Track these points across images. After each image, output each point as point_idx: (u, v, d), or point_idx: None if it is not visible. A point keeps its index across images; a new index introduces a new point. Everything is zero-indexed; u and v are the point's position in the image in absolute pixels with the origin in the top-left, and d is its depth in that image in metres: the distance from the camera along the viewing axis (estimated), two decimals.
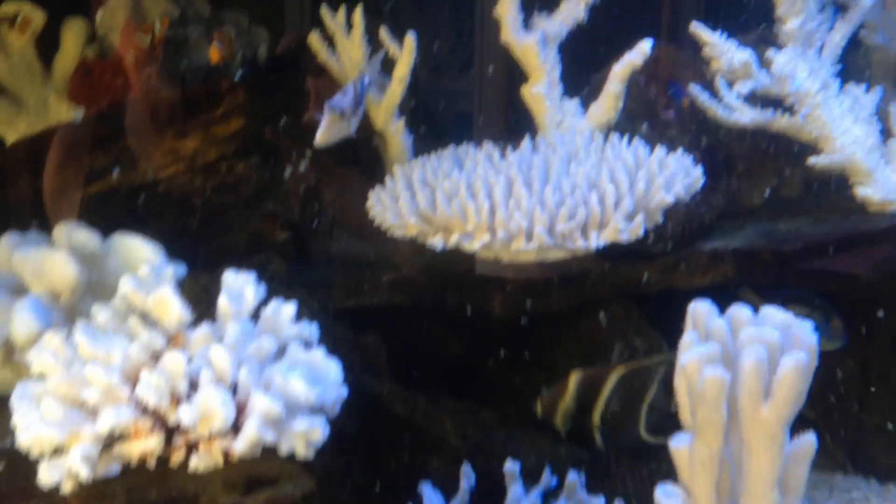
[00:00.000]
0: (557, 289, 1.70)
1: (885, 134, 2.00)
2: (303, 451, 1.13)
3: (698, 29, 1.87)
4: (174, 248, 1.58)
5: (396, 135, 1.95)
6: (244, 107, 1.70)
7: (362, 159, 1.99)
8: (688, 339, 1.25)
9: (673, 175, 1.57)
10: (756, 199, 2.17)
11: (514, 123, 2.16)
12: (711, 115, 1.97)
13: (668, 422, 1.58)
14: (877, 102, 2.01)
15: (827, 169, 1.95)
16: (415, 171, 1.72)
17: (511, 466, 1.32)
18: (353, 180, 1.88)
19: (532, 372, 1.85)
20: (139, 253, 1.43)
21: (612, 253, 1.76)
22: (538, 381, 1.81)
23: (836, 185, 2.06)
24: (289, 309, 1.25)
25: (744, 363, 1.17)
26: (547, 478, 1.35)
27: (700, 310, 1.30)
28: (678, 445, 1.25)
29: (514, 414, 1.73)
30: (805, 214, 2.02)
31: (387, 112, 1.93)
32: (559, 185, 1.56)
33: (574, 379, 1.65)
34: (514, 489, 1.30)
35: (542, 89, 1.92)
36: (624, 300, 1.88)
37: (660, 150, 1.67)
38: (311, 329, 1.26)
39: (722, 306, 1.31)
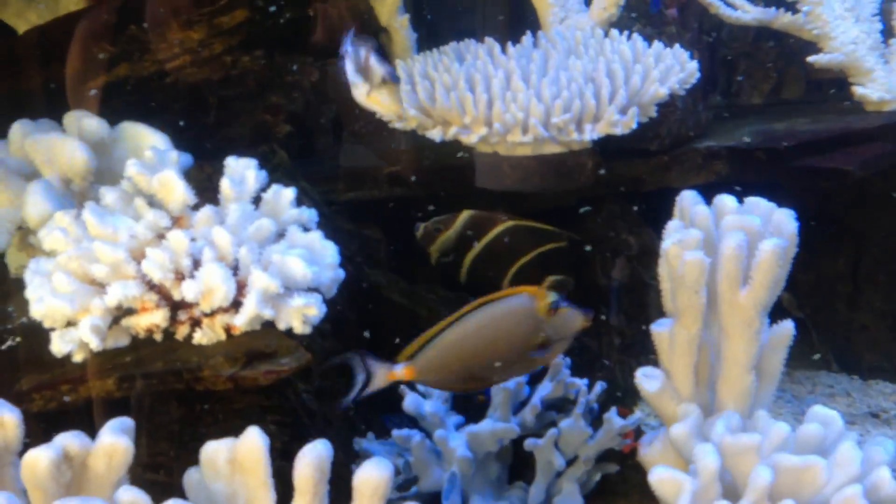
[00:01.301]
0: (554, 183, 1.74)
1: (887, 34, 2.00)
2: (299, 327, 1.19)
3: None
4: (180, 139, 1.62)
5: (401, 30, 1.96)
6: None
7: None
8: (671, 226, 1.30)
9: (668, 68, 1.59)
10: (756, 99, 2.19)
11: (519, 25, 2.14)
12: (714, 11, 1.97)
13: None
14: (879, 2, 2.00)
15: (826, 67, 1.96)
16: (416, 64, 1.74)
17: None
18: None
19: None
20: (147, 141, 1.47)
21: (609, 149, 1.79)
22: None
23: (837, 85, 2.07)
24: (288, 193, 1.29)
25: (723, 248, 1.22)
26: None
27: (686, 198, 1.34)
28: (659, 329, 1.31)
29: None
30: (803, 114, 2.04)
31: (391, 6, 1.93)
32: (556, 78, 1.58)
33: (464, 216, 1.62)
34: None
35: None
36: (620, 197, 1.92)
37: (657, 45, 1.68)
38: (310, 213, 1.31)
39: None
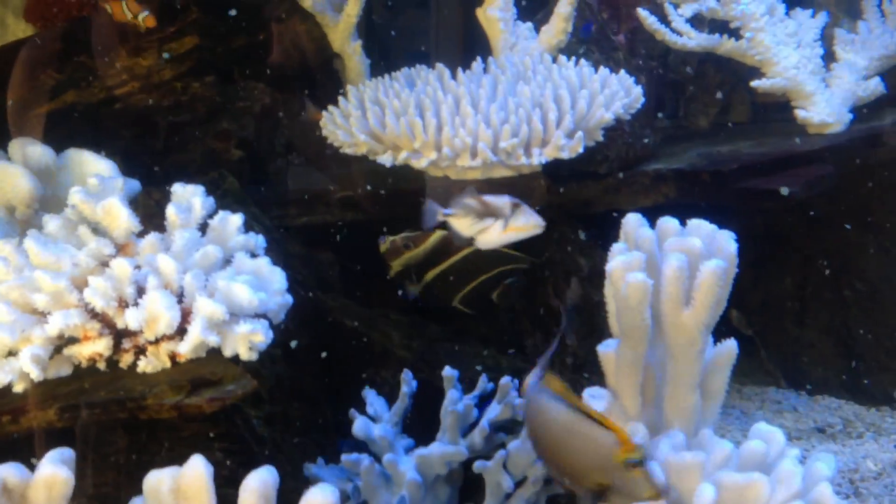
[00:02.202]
0: None
1: (829, 58, 2.06)
2: (246, 354, 1.19)
3: None
4: (130, 165, 1.61)
5: (353, 56, 1.98)
6: (198, 24, 1.71)
7: (321, 80, 2.01)
8: (615, 248, 1.32)
9: (613, 94, 1.62)
10: (702, 123, 2.23)
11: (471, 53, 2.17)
12: (660, 38, 2.01)
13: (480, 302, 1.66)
14: (821, 27, 2.06)
15: (769, 92, 2.01)
16: (367, 90, 1.76)
17: (449, 372, 1.39)
18: (311, 101, 1.91)
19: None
20: (93, 168, 1.47)
21: (559, 172, 1.82)
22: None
23: (781, 109, 2.12)
24: (235, 219, 1.29)
25: (665, 270, 1.24)
26: (483, 383, 1.43)
27: (630, 221, 1.36)
28: (605, 350, 1.32)
29: (459, 329, 1.80)
30: (747, 137, 2.08)
31: (344, 33, 1.95)
32: (505, 103, 1.61)
33: (436, 236, 1.62)
34: (452, 393, 1.37)
35: (496, 12, 1.95)
36: (570, 220, 1.95)
37: (603, 71, 1.72)
38: (257, 239, 1.31)
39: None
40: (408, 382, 1.40)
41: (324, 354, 1.63)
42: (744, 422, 1.88)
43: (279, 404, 1.49)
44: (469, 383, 1.50)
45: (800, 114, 1.99)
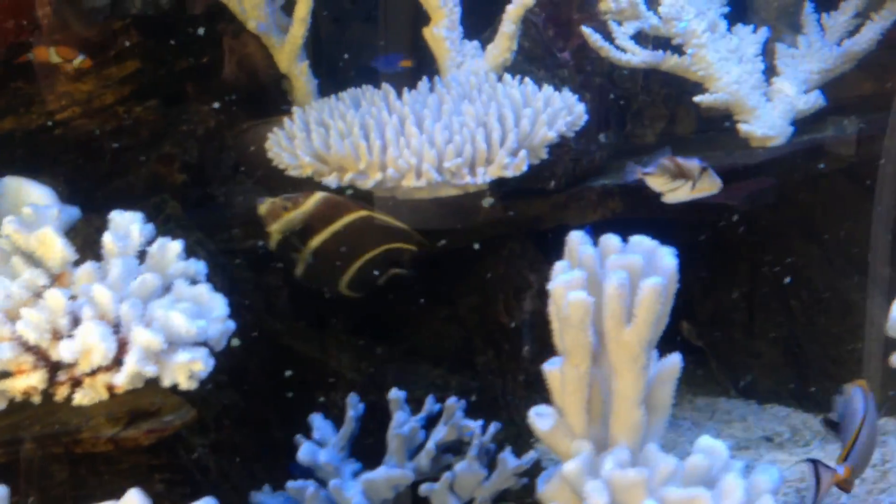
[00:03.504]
0: (452, 225, 1.76)
1: (770, 72, 2.10)
2: (185, 383, 1.17)
3: None
4: (72, 191, 1.59)
5: (301, 76, 1.97)
6: (138, 48, 1.70)
7: (269, 102, 2.00)
8: (558, 266, 1.33)
9: (556, 112, 1.63)
10: (649, 137, 2.26)
11: (418, 71, 2.17)
12: (604, 55, 2.03)
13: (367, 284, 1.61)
14: (762, 42, 2.09)
15: (712, 106, 2.04)
16: (312, 111, 1.76)
17: (395, 394, 1.38)
18: (258, 123, 1.90)
19: (431, 309, 1.92)
20: (31, 196, 1.44)
21: (508, 190, 1.83)
22: (436, 318, 1.89)
23: (727, 122, 2.15)
24: (175, 246, 1.28)
25: (606, 288, 1.25)
26: (430, 404, 1.42)
27: (573, 239, 1.37)
28: (550, 368, 1.33)
29: (410, 349, 1.79)
30: (693, 151, 2.10)
31: (290, 54, 1.94)
32: (449, 123, 1.61)
33: (316, 197, 1.59)
34: (398, 415, 1.36)
35: (442, 31, 1.95)
36: (520, 236, 1.96)
37: (547, 89, 1.73)
38: (198, 266, 1.29)
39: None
40: (354, 406, 1.39)
41: (273, 379, 1.62)
42: (695, 433, 1.90)
43: (226, 432, 1.47)
44: (418, 404, 1.50)
45: (742, 127, 2.02)
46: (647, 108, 2.26)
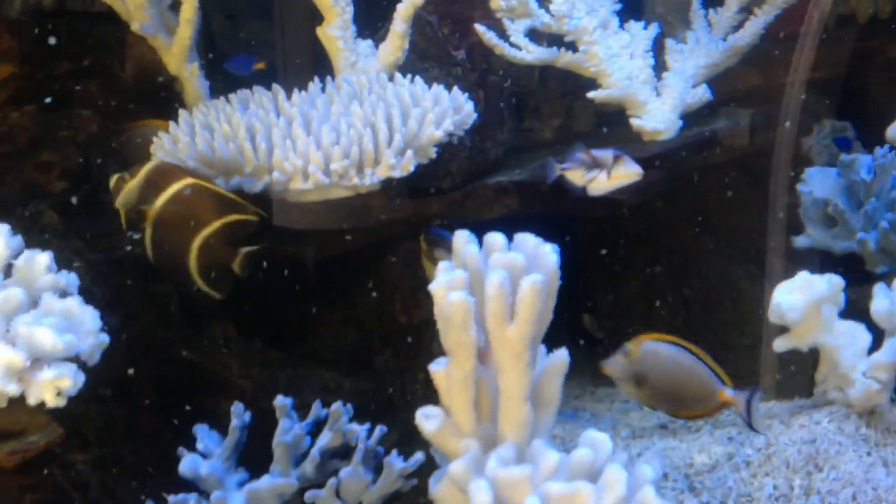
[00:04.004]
0: (345, 226, 1.75)
1: (661, 67, 2.14)
2: (52, 401, 1.14)
3: None
4: None
5: (191, 78, 1.93)
6: (13, 52, 1.64)
7: (166, 104, 1.96)
8: (441, 266, 1.33)
9: (444, 111, 1.64)
10: (547, 134, 2.28)
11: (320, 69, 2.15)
12: (499, 53, 2.04)
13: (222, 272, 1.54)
14: (653, 38, 2.14)
15: (605, 102, 2.07)
16: (198, 114, 1.72)
17: (281, 401, 1.37)
18: (141, 125, 1.85)
19: (329, 311, 1.90)
20: None
21: (402, 189, 1.83)
22: (334, 321, 1.87)
23: (623, 117, 2.19)
24: (43, 258, 1.24)
25: (487, 287, 1.25)
26: (316, 410, 1.41)
27: (458, 238, 1.37)
28: (436, 368, 1.33)
29: (307, 353, 1.78)
30: (589, 146, 2.14)
31: (178, 55, 1.90)
32: (336, 124, 1.60)
33: (149, 165, 1.54)
34: (283, 422, 1.35)
35: (335, 30, 1.93)
36: (417, 235, 1.95)
37: (437, 88, 1.73)
38: (69, 278, 1.25)
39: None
40: (238, 415, 1.37)
41: (161, 389, 1.58)
42: (593, 424, 1.93)
43: (110, 446, 1.43)
44: (310, 410, 1.48)
45: (634, 122, 2.06)
46: (544, 104, 2.28)
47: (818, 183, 2.03)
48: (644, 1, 2.39)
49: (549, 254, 1.31)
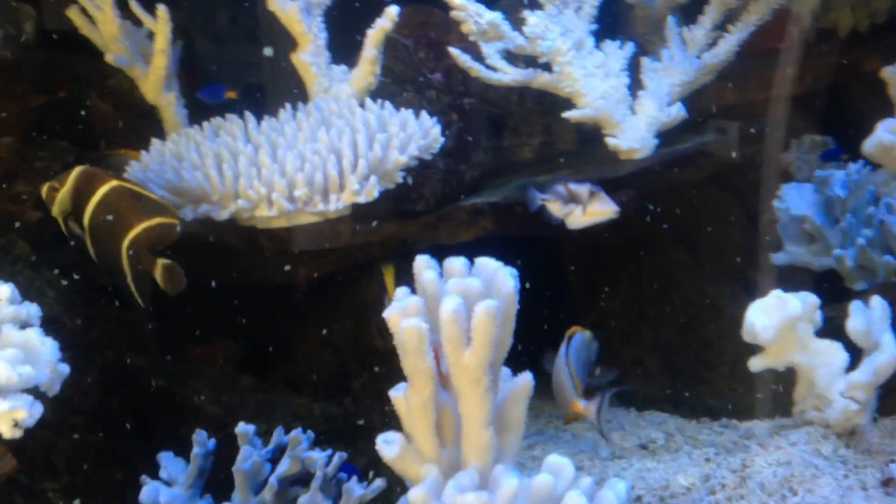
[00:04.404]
0: (315, 251, 1.76)
1: (636, 86, 2.14)
2: (9, 432, 1.15)
3: None
4: None
5: (168, 107, 1.96)
6: None
7: (144, 132, 1.98)
8: (398, 293, 1.33)
9: (409, 136, 1.65)
10: (527, 154, 2.29)
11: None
12: (475, 75, 2.05)
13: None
14: (628, 57, 2.14)
15: (580, 121, 2.07)
16: (169, 143, 1.74)
17: (243, 428, 1.38)
18: (117, 156, 1.87)
19: (305, 335, 1.91)
20: None
21: (375, 213, 1.84)
22: (311, 344, 1.88)
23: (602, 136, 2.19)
24: (3, 291, 1.25)
25: (441, 313, 1.26)
26: (277, 437, 1.42)
27: (417, 263, 1.38)
28: (396, 394, 1.33)
29: (283, 376, 1.79)
30: (567, 167, 2.15)
31: (154, 85, 1.93)
32: (302, 151, 1.61)
33: (75, 171, 1.54)
34: (244, 450, 1.36)
35: (307, 56, 1.96)
36: (393, 259, 1.96)
37: (404, 112, 1.74)
38: (30, 309, 1.27)
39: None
40: (200, 443, 1.38)
41: (134, 415, 1.60)
42: (572, 445, 1.93)
43: (80, 473, 1.45)
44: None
45: (610, 141, 2.06)
46: (523, 124, 2.29)
47: (795, 199, 2.03)
48: (624, 20, 2.40)
49: (506, 279, 1.32)
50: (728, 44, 2.11)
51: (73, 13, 1.89)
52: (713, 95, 2.21)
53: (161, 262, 1.51)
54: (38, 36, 1.90)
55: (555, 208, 1.80)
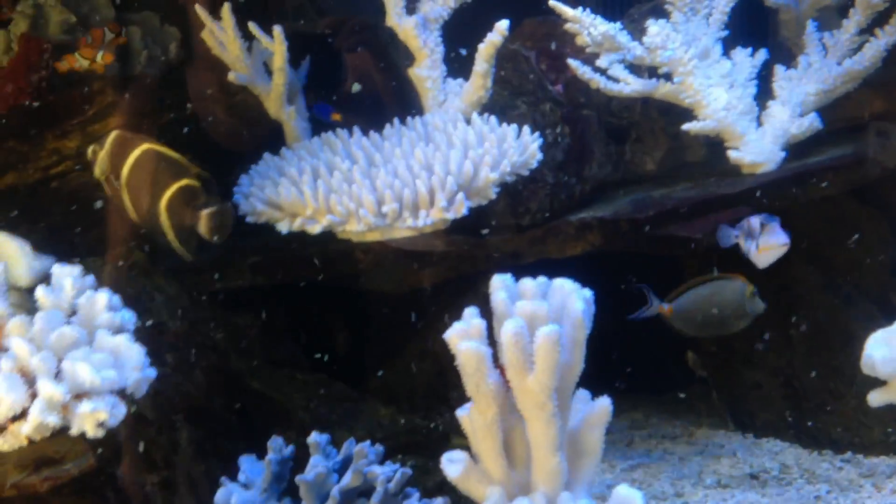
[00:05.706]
0: (415, 264, 1.79)
1: (767, 95, 2.02)
2: (92, 431, 1.24)
3: (557, 4, 1.90)
4: (58, 241, 1.71)
5: (289, 121, 2.04)
6: (115, 105, 1.81)
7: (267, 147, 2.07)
8: (466, 312, 1.33)
9: (503, 153, 1.64)
10: (649, 166, 2.21)
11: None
12: (595, 87, 2.00)
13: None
14: (758, 66, 2.02)
15: (700, 133, 1.98)
16: (277, 157, 1.83)
17: (314, 437, 1.41)
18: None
19: (404, 345, 1.94)
20: (4, 249, 1.56)
21: (481, 226, 1.84)
22: (410, 354, 1.91)
23: None
24: (102, 298, 1.35)
25: (502, 337, 1.24)
26: (347, 447, 1.44)
27: (493, 283, 1.37)
28: (462, 413, 1.33)
29: (380, 386, 1.82)
30: (688, 179, 2.05)
31: (275, 102, 2.02)
32: (396, 167, 1.64)
33: (112, 136, 1.60)
34: (313, 459, 1.39)
35: (423, 71, 1.99)
36: (500, 272, 1.95)
37: (504, 128, 1.74)
38: (124, 316, 1.37)
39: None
40: (276, 449, 1.43)
41: (236, 417, 1.68)
42: (677, 469, 1.85)
43: (178, 469, 1.54)
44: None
45: (732, 154, 1.96)
46: (647, 135, 2.22)
47: None
48: (770, 26, 2.27)
49: (576, 302, 1.28)
50: (874, 49, 1.94)
51: (205, 35, 2.01)
52: (857, 104, 2.05)
53: (204, 212, 1.56)
54: (183, 56, 2.05)
55: (743, 244, 1.75)
